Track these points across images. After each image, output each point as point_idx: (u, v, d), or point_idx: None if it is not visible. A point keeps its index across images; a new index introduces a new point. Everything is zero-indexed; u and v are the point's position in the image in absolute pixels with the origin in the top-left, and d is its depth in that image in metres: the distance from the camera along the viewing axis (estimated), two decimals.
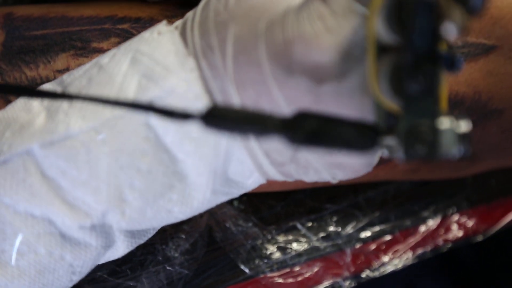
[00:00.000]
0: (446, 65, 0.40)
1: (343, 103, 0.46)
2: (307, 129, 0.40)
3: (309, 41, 0.46)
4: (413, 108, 0.40)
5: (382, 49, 0.43)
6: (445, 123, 0.40)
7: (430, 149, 0.40)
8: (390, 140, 0.42)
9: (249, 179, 0.54)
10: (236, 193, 0.54)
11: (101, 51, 0.59)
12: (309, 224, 0.71)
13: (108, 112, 0.50)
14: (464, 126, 0.40)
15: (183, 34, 0.51)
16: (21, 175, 0.49)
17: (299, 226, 0.70)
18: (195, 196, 0.52)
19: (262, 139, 0.49)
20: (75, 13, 0.61)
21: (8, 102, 0.55)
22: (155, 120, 0.50)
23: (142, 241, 0.56)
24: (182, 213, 0.53)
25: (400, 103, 0.41)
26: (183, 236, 0.66)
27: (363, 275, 0.71)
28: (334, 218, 0.72)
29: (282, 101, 0.47)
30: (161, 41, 0.51)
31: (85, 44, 0.60)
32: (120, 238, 0.53)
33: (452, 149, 0.40)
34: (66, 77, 0.52)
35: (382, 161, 0.67)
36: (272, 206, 0.70)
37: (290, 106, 0.47)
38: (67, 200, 0.49)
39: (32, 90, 0.50)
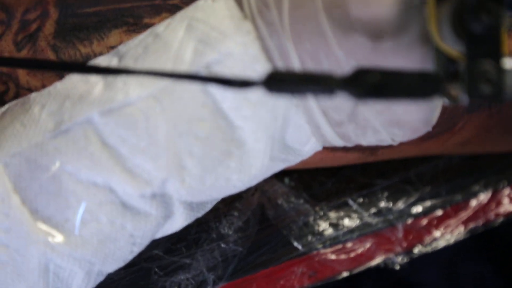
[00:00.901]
0: (508, 5, 0.40)
1: (402, 57, 0.46)
2: (370, 82, 0.39)
3: None
4: (475, 49, 0.40)
5: None
6: (509, 63, 0.40)
7: (495, 88, 0.39)
8: (452, 87, 0.42)
9: (306, 146, 0.53)
10: (293, 160, 0.54)
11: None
12: (360, 200, 0.70)
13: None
14: None
15: None
16: (82, 143, 0.49)
17: (350, 202, 0.70)
18: (253, 163, 0.52)
19: (323, 98, 0.49)
20: None
21: (62, 78, 0.55)
22: (213, 86, 0.50)
23: (199, 214, 0.55)
24: (240, 181, 0.53)
25: (462, 47, 0.41)
26: (236, 214, 0.66)
27: (415, 250, 0.70)
28: (385, 194, 0.71)
29: (341, 56, 0.47)
30: (215, 7, 0.51)
31: (137, 20, 0.60)
32: (179, 210, 0.53)
33: None
34: (121, 47, 0.52)
35: (434, 135, 0.66)
36: (323, 183, 0.70)
37: (348, 59, 0.47)
38: (128, 167, 0.49)
39: (88, 67, 0.50)
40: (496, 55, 0.40)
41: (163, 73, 0.45)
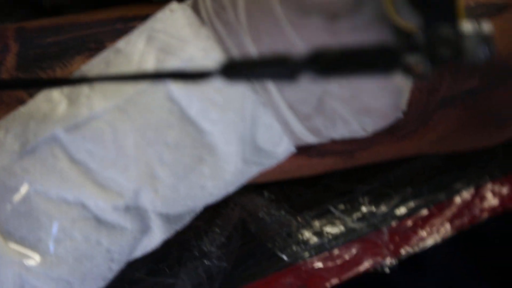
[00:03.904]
0: None
1: (360, 36, 0.46)
2: (328, 60, 0.39)
3: None
4: (431, 15, 0.40)
5: None
6: (466, 25, 0.40)
7: (454, 50, 0.39)
8: (412, 58, 0.41)
9: (279, 147, 0.53)
10: (267, 163, 0.54)
11: None
12: (342, 206, 0.70)
13: (130, 88, 0.49)
14: (486, 27, 0.40)
15: (194, 7, 0.51)
16: (50, 161, 0.48)
17: (332, 209, 0.69)
18: (227, 168, 0.52)
19: (284, 83, 0.48)
20: (87, 18, 0.61)
21: (21, 102, 0.55)
22: (178, 92, 0.49)
23: (178, 227, 0.55)
24: (215, 187, 0.52)
25: (418, 17, 0.41)
26: (218, 230, 0.65)
27: (403, 251, 0.70)
28: (367, 199, 0.71)
29: (299, 43, 0.47)
30: (174, 17, 0.51)
31: (99, 45, 0.59)
32: (156, 223, 0.52)
33: (476, 50, 0.39)
34: (84, 67, 0.52)
35: (409, 132, 0.66)
36: (302, 193, 0.70)
37: (308, 46, 0.47)
38: (98, 181, 0.49)
39: (51, 80, 0.50)
40: (453, 17, 0.40)
41: (124, 76, 0.45)
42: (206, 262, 0.63)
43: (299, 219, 0.68)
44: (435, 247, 0.72)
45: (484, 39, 0.40)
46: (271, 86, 0.50)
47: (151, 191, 0.50)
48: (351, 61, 0.39)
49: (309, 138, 0.53)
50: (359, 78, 0.40)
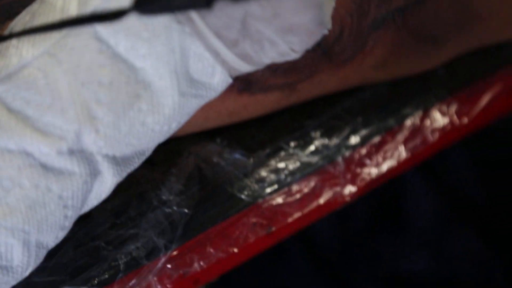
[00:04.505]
0: None
1: None
2: None
3: None
4: None
5: None
6: None
7: None
8: None
9: (213, 77, 0.54)
10: (205, 95, 0.55)
11: None
12: (295, 143, 0.71)
13: (56, 33, 0.50)
14: None
15: None
16: None
17: (285, 146, 0.70)
18: (164, 103, 0.53)
19: (198, 6, 0.49)
20: None
21: None
22: (104, 31, 0.51)
23: (128, 169, 0.55)
24: (156, 123, 0.53)
25: None
26: (174, 179, 0.66)
27: (360, 179, 0.71)
28: (318, 133, 0.72)
29: None
30: None
31: None
32: (104, 165, 0.53)
33: None
34: (12, 23, 0.53)
35: (347, 58, 0.67)
36: (254, 135, 0.71)
37: None
38: (38, 127, 0.50)
39: None
40: None
41: (43, 28, 0.46)
42: (166, 210, 0.64)
43: (254, 159, 0.69)
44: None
45: None
46: (193, 15, 0.51)
47: (92, 131, 0.51)
48: None
49: (242, 66, 0.54)
50: None
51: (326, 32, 0.54)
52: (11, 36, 0.48)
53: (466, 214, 1.01)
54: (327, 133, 0.72)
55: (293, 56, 0.54)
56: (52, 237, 0.53)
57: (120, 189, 0.64)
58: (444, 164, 1.01)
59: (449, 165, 1.02)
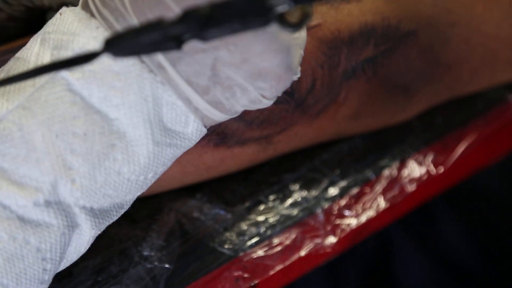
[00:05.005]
0: None
1: None
2: (201, 16, 0.42)
3: None
4: None
5: None
6: None
7: None
8: (280, 4, 0.44)
9: (187, 127, 0.55)
10: (180, 144, 0.56)
11: None
12: (274, 196, 0.72)
13: (29, 87, 0.52)
14: None
15: (84, 5, 0.54)
16: None
17: (264, 200, 0.71)
18: (139, 152, 0.54)
19: (170, 52, 0.51)
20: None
21: None
22: (77, 83, 0.52)
23: (107, 222, 0.56)
24: (132, 173, 0.54)
25: None
26: (155, 235, 0.67)
27: (340, 230, 0.72)
28: (297, 186, 0.73)
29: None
30: (63, 18, 0.54)
31: None
32: (82, 217, 0.54)
33: None
34: None
35: (321, 109, 0.69)
36: (234, 190, 0.72)
37: None
38: (14, 180, 0.51)
39: None
40: None
41: (17, 77, 0.47)
42: (148, 265, 0.65)
43: (233, 213, 0.70)
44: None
45: None
46: (164, 63, 0.52)
47: (68, 182, 0.52)
48: (223, 15, 0.42)
49: (215, 114, 0.55)
50: (237, 33, 0.43)
51: (295, 78, 0.55)
52: None
53: (458, 280, 1.01)
54: (306, 186, 0.73)
55: (264, 103, 0.55)
56: None
57: (101, 247, 0.65)
58: (432, 226, 1.01)
59: (437, 227, 1.02)
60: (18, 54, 0.54)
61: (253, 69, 0.53)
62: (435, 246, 0.97)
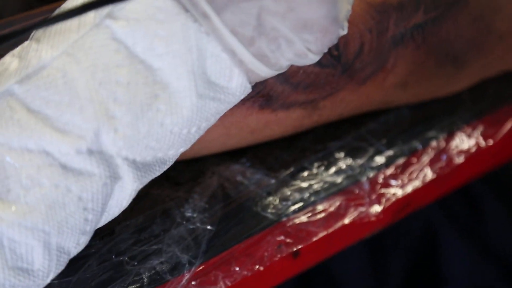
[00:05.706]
0: None
1: None
2: None
3: None
4: None
5: None
6: None
7: None
8: None
9: (231, 81, 0.54)
10: (224, 99, 0.55)
11: None
12: (319, 163, 0.71)
13: (74, 34, 0.52)
14: None
15: None
16: (7, 114, 0.50)
17: (309, 167, 0.70)
18: (182, 103, 0.53)
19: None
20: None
21: None
22: (121, 31, 0.52)
23: (149, 176, 0.56)
24: (175, 124, 0.53)
25: None
26: (197, 197, 0.66)
27: (384, 200, 0.71)
28: (342, 154, 0.72)
29: None
30: None
31: None
32: (124, 169, 0.53)
33: None
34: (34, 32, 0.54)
35: (368, 75, 0.68)
36: (278, 156, 0.71)
37: None
38: (57, 126, 0.51)
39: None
40: None
41: (55, 18, 0.47)
42: (190, 226, 0.64)
43: (277, 178, 0.69)
44: None
45: None
46: (209, 11, 0.51)
47: (111, 131, 0.51)
48: None
49: (260, 68, 0.54)
50: None
51: (341, 33, 0.54)
52: (34, 26, 0.49)
53: (504, 274, 0.99)
54: (351, 154, 0.72)
55: (310, 58, 0.54)
56: (73, 242, 0.53)
57: (143, 207, 0.65)
58: (479, 218, 0.99)
59: (484, 220, 1.00)
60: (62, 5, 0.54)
61: (298, 19, 0.52)
62: (481, 239, 0.96)
